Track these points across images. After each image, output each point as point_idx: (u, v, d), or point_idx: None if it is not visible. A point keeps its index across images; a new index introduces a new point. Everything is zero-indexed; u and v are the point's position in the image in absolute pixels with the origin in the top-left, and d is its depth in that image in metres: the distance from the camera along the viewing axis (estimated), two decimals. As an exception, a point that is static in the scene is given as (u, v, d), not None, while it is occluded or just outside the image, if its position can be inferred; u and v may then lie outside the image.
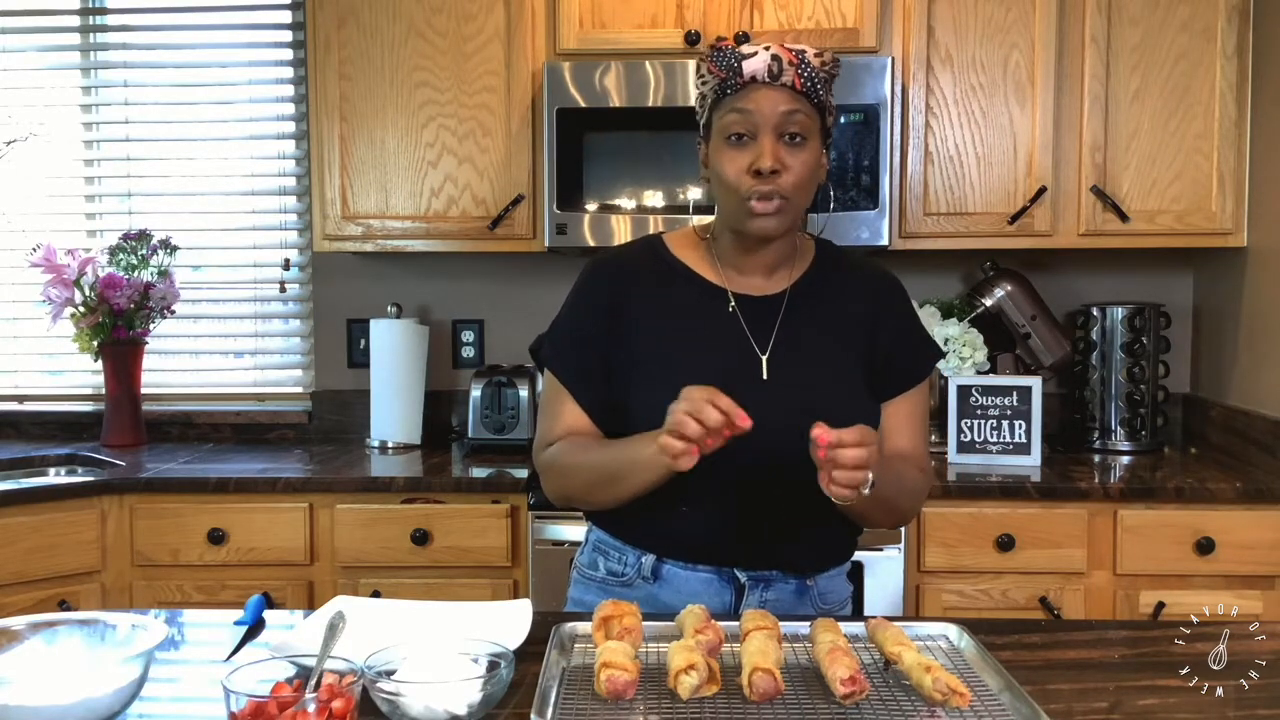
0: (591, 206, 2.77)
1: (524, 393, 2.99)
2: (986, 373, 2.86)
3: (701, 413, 1.33)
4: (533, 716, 1.13)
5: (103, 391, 3.16)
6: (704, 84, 1.56)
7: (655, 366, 1.58)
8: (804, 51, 1.52)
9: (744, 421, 1.33)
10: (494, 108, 2.86)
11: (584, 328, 1.63)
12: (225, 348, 3.42)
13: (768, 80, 1.50)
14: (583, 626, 1.38)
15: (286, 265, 3.32)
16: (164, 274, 3.12)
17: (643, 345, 1.59)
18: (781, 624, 1.33)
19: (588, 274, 1.67)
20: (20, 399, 3.36)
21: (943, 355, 1.74)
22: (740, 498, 1.55)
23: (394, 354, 3.06)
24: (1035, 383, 2.75)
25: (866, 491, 1.37)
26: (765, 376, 1.56)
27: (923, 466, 1.66)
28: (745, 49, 1.52)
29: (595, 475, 1.57)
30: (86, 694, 1.11)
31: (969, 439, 2.76)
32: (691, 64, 2.70)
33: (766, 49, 1.51)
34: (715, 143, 1.56)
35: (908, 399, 1.65)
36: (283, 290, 3.33)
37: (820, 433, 1.34)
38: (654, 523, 1.58)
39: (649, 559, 1.60)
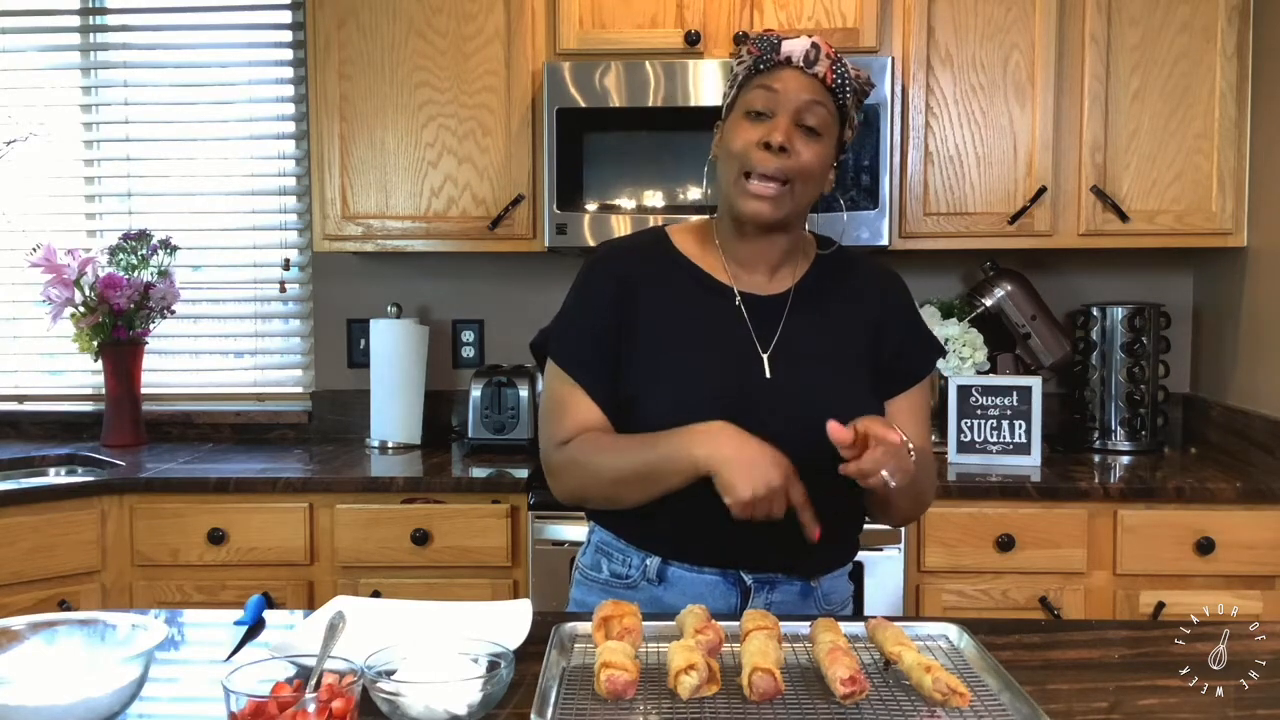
0: (591, 206, 2.77)
1: (524, 393, 2.99)
2: (986, 373, 2.86)
3: (765, 507, 1.40)
4: (533, 716, 1.13)
5: (103, 391, 3.16)
6: (740, 64, 1.58)
7: (660, 363, 1.57)
8: (842, 57, 1.56)
9: (813, 532, 1.43)
10: (494, 108, 2.87)
11: (591, 319, 1.60)
12: (225, 348, 3.42)
13: (802, 65, 1.52)
14: (583, 626, 1.38)
15: (286, 265, 3.32)
16: (164, 274, 3.11)
17: (648, 340, 1.58)
18: (782, 624, 1.33)
19: (594, 263, 1.65)
20: (20, 399, 3.36)
21: (944, 353, 1.75)
22: None
23: (394, 354, 3.06)
24: (1035, 383, 2.75)
25: (894, 483, 1.37)
26: (768, 376, 1.56)
27: (929, 459, 1.67)
28: (788, 35, 1.56)
29: (624, 474, 1.52)
30: (86, 694, 1.11)
31: (969, 439, 2.76)
32: (692, 64, 2.71)
33: (810, 36, 1.55)
34: (734, 118, 1.56)
35: (910, 395, 1.65)
36: (283, 290, 3.33)
37: (839, 434, 1.36)
38: (660, 524, 1.57)
39: (654, 561, 1.59)
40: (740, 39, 1.64)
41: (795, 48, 1.52)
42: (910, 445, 1.41)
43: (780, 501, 1.39)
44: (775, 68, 1.53)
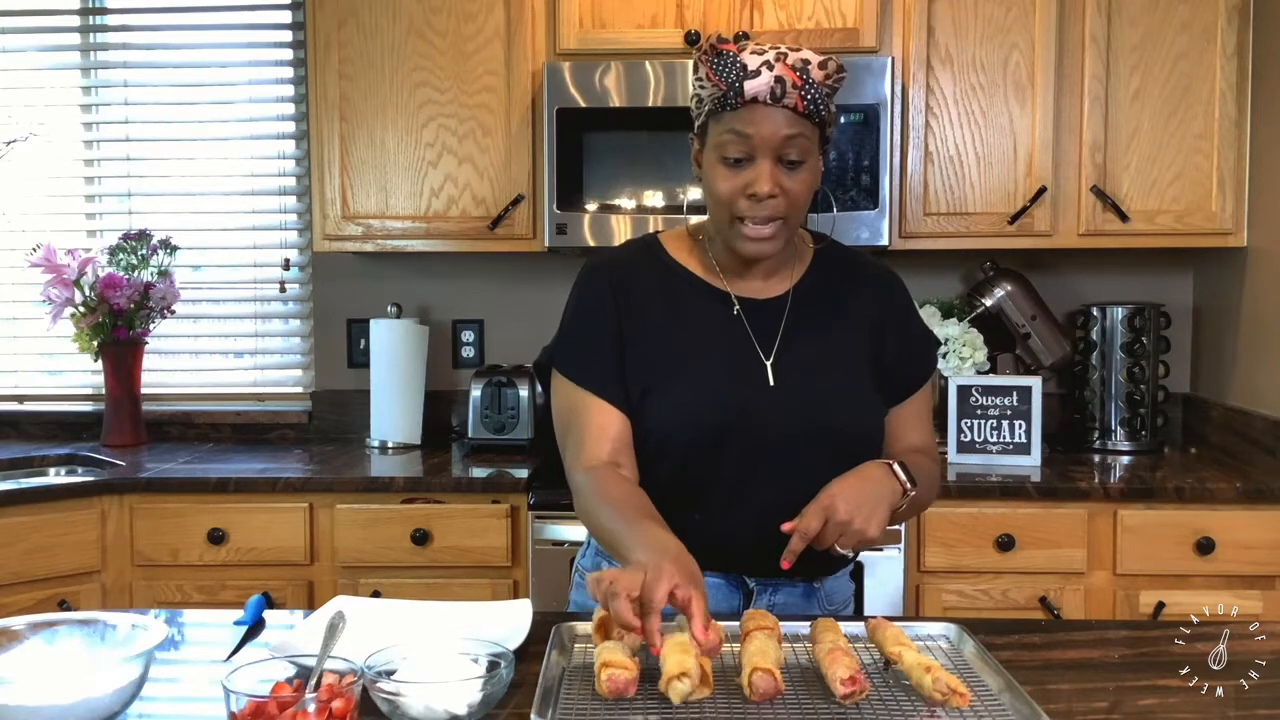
0: (591, 206, 2.77)
1: (524, 393, 2.99)
2: (986, 373, 2.85)
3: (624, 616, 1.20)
4: (533, 716, 1.13)
5: (103, 391, 3.16)
6: (701, 88, 1.51)
7: (663, 374, 1.55)
8: (807, 66, 1.45)
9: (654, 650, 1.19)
10: (494, 108, 2.87)
11: (596, 330, 1.58)
12: (225, 348, 3.42)
13: (769, 102, 1.44)
14: (582, 626, 1.38)
15: (286, 265, 3.32)
16: (164, 274, 3.11)
17: (648, 349, 1.56)
18: (782, 624, 1.33)
19: (587, 278, 1.62)
20: (20, 399, 3.36)
21: (940, 343, 1.76)
22: (751, 506, 1.52)
23: (394, 354, 3.06)
24: (1035, 383, 2.75)
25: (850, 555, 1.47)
26: (772, 382, 1.55)
27: (934, 456, 1.68)
28: (748, 59, 1.45)
29: (602, 537, 1.49)
30: (86, 694, 1.11)
31: (969, 439, 2.76)
32: (692, 64, 2.70)
33: (770, 68, 1.44)
34: (710, 155, 1.51)
35: (914, 400, 1.66)
36: (283, 290, 3.33)
37: (794, 538, 1.42)
38: None
39: None
40: (699, 51, 1.55)
41: (759, 87, 1.43)
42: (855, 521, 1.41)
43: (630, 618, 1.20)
44: (742, 106, 1.45)
